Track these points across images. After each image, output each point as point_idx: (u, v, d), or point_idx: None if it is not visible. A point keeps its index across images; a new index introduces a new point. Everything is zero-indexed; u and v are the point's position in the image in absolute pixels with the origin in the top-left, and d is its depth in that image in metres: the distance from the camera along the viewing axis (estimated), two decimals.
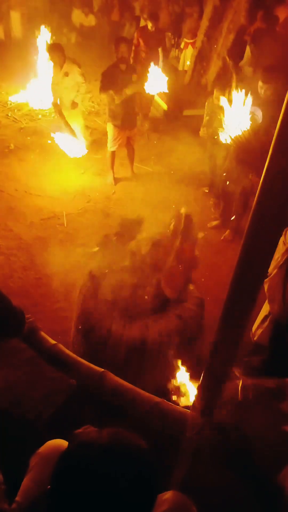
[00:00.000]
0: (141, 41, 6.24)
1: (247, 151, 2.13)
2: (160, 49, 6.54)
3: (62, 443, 1.11)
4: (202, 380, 1.31)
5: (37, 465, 1.10)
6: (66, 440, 1.04)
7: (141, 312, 2.05)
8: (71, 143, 4.79)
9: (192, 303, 2.17)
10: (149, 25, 6.29)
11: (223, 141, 2.30)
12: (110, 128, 4.65)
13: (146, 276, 2.12)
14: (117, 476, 0.74)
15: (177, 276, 2.04)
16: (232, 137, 2.16)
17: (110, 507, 0.72)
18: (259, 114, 3.37)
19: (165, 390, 2.08)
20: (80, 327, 2.12)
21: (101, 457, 0.75)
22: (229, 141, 2.26)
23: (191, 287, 2.27)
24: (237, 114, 2.26)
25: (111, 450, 0.77)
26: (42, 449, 1.15)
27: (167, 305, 2.10)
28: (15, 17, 9.27)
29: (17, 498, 1.06)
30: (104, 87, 4.34)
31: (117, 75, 4.32)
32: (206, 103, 4.35)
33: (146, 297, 2.06)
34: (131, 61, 5.80)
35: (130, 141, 4.77)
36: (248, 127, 2.15)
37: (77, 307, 2.16)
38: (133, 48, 6.14)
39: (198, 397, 1.34)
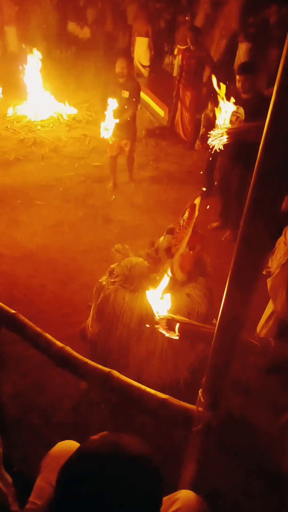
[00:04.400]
0: (184, 62, 5.57)
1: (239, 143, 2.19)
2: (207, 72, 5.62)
3: (73, 444, 1.12)
4: (206, 375, 1.34)
5: (48, 465, 1.12)
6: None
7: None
8: None
9: (201, 284, 2.21)
10: (189, 41, 5.43)
11: (217, 142, 2.37)
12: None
13: (160, 260, 2.19)
14: (118, 486, 0.75)
15: (188, 260, 2.09)
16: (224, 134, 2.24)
17: None
18: (241, 112, 3.44)
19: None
20: (95, 303, 2.18)
21: (102, 468, 0.76)
22: (223, 140, 2.34)
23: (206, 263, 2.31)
24: (226, 116, 2.35)
25: (111, 459, 0.77)
26: (53, 450, 1.17)
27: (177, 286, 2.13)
28: (11, 32, 9.47)
29: (30, 499, 1.09)
30: (102, 103, 4.47)
31: (111, 88, 4.42)
32: (202, 115, 4.44)
33: (157, 277, 2.11)
34: (176, 84, 5.80)
35: (123, 151, 4.83)
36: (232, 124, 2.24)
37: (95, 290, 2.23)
38: (177, 70, 5.74)
39: (203, 391, 1.37)
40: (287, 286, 2.38)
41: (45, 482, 1.08)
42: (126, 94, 4.40)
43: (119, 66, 4.31)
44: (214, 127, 4.06)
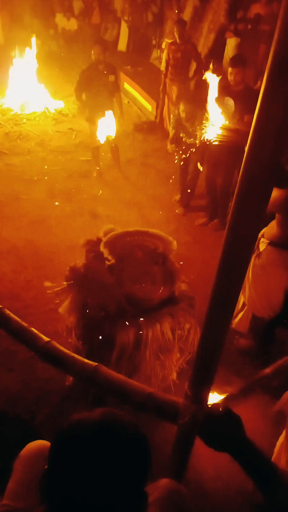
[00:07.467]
0: (170, 55, 5.56)
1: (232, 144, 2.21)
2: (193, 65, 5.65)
3: (43, 443, 1.10)
4: (192, 368, 1.35)
5: (18, 467, 1.10)
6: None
7: (133, 312, 2.09)
8: None
9: (184, 303, 2.22)
10: (176, 34, 5.39)
11: (211, 139, 2.37)
12: (89, 125, 4.84)
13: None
14: (111, 449, 0.77)
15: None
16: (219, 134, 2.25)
17: (106, 481, 0.75)
18: (231, 103, 3.48)
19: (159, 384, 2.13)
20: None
21: (94, 432, 0.79)
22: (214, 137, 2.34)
23: (183, 287, 2.33)
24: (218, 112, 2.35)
25: (103, 424, 0.80)
26: (23, 451, 1.14)
27: (159, 306, 2.14)
28: None
29: (3, 502, 1.07)
30: (77, 90, 4.71)
31: (93, 76, 4.55)
32: (171, 116, 4.35)
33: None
34: (163, 79, 5.84)
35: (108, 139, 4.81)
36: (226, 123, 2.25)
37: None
38: (164, 65, 5.70)
39: (189, 385, 1.37)
40: (248, 282, 2.44)
41: (16, 484, 1.06)
42: (112, 78, 4.60)
43: (96, 52, 4.52)
44: (184, 129, 4.05)
